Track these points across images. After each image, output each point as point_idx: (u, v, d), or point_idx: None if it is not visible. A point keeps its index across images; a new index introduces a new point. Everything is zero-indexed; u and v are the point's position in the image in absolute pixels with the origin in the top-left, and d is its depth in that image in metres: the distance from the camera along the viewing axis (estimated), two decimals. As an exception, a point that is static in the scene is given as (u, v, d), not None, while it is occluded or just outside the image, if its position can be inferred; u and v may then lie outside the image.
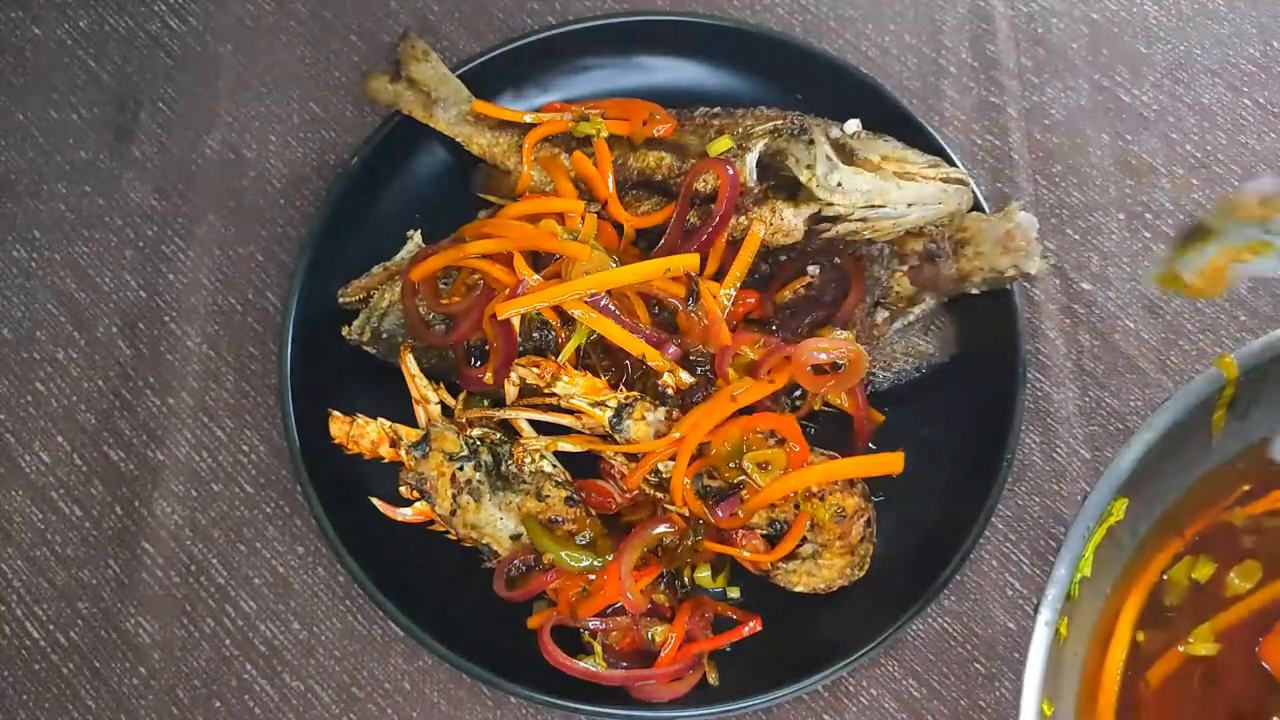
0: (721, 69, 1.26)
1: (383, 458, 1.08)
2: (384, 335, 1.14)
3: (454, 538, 1.08)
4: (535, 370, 1.05)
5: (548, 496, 1.05)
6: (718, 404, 1.03)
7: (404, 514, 1.08)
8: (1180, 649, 0.87)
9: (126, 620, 1.12)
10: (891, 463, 1.05)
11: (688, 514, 1.05)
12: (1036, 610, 0.78)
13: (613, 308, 1.06)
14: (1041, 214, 1.24)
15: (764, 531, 1.05)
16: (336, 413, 1.08)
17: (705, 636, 1.04)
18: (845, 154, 1.12)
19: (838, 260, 1.12)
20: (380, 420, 1.08)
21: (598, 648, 1.04)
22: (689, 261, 1.06)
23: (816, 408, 1.11)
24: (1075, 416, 1.17)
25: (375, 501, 1.08)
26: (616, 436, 1.05)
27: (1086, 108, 1.29)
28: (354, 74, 1.33)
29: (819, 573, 1.06)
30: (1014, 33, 1.33)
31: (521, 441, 1.07)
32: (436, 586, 1.08)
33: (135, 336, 1.22)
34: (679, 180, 1.15)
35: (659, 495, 1.06)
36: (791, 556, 1.05)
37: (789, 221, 1.11)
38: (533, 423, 1.09)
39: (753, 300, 1.11)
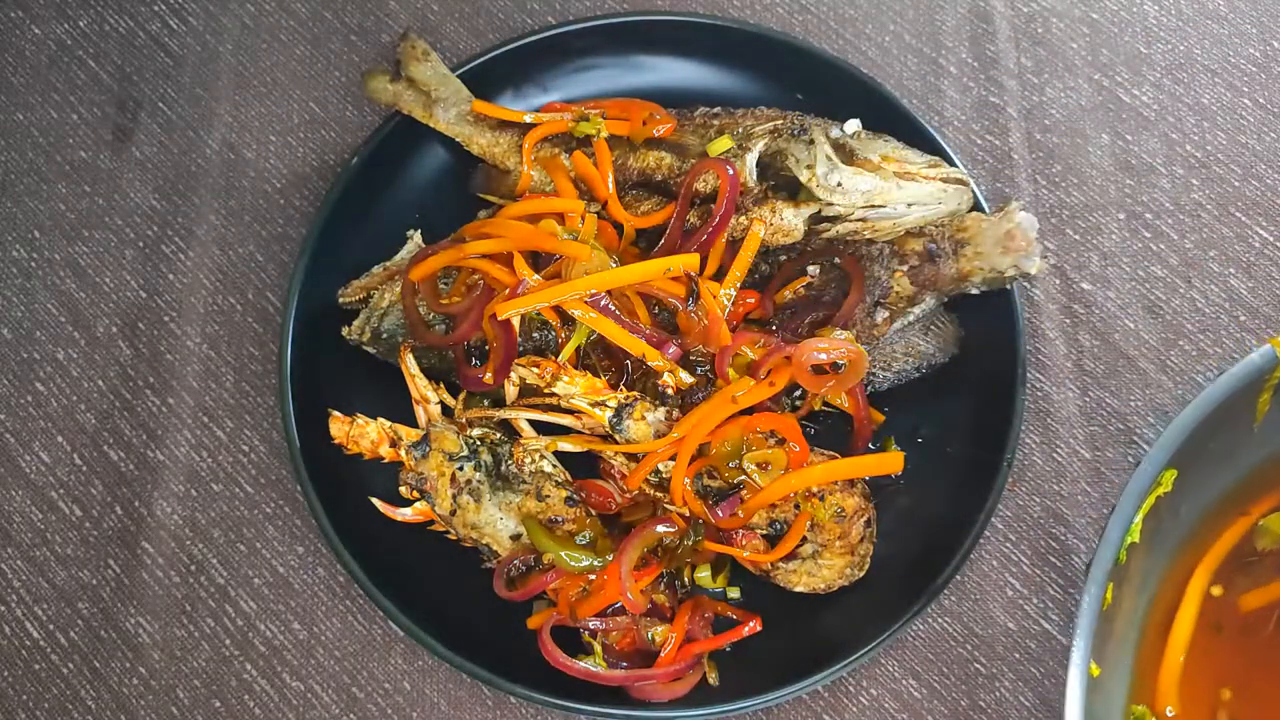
0: (721, 69, 1.26)
1: (383, 458, 1.08)
2: (384, 335, 1.14)
3: (454, 538, 1.08)
4: (535, 370, 1.05)
5: (548, 496, 1.05)
6: (718, 404, 1.03)
7: (404, 514, 1.08)
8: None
9: (126, 620, 1.12)
10: (891, 463, 1.05)
11: (688, 514, 1.05)
12: (1087, 572, 0.79)
13: (613, 308, 1.06)
14: (1041, 214, 1.24)
15: (764, 531, 1.05)
16: (336, 413, 1.08)
17: (705, 636, 1.04)
18: (845, 154, 1.12)
19: (838, 260, 1.12)
20: (380, 420, 1.08)
21: (598, 648, 1.04)
22: (689, 261, 1.06)
23: (816, 408, 1.11)
24: (1075, 416, 1.17)
25: (375, 501, 1.08)
26: (616, 436, 1.05)
27: (1086, 108, 1.29)
28: (354, 74, 1.33)
29: (819, 573, 1.06)
30: (1014, 33, 1.33)
31: (521, 441, 1.07)
32: (436, 586, 1.08)
33: (135, 336, 1.22)
34: (679, 180, 1.15)
35: (659, 495, 1.06)
36: (791, 556, 1.05)
37: (789, 221, 1.11)
38: (533, 423, 1.09)
39: (753, 300, 1.11)
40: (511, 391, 1.09)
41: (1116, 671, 0.84)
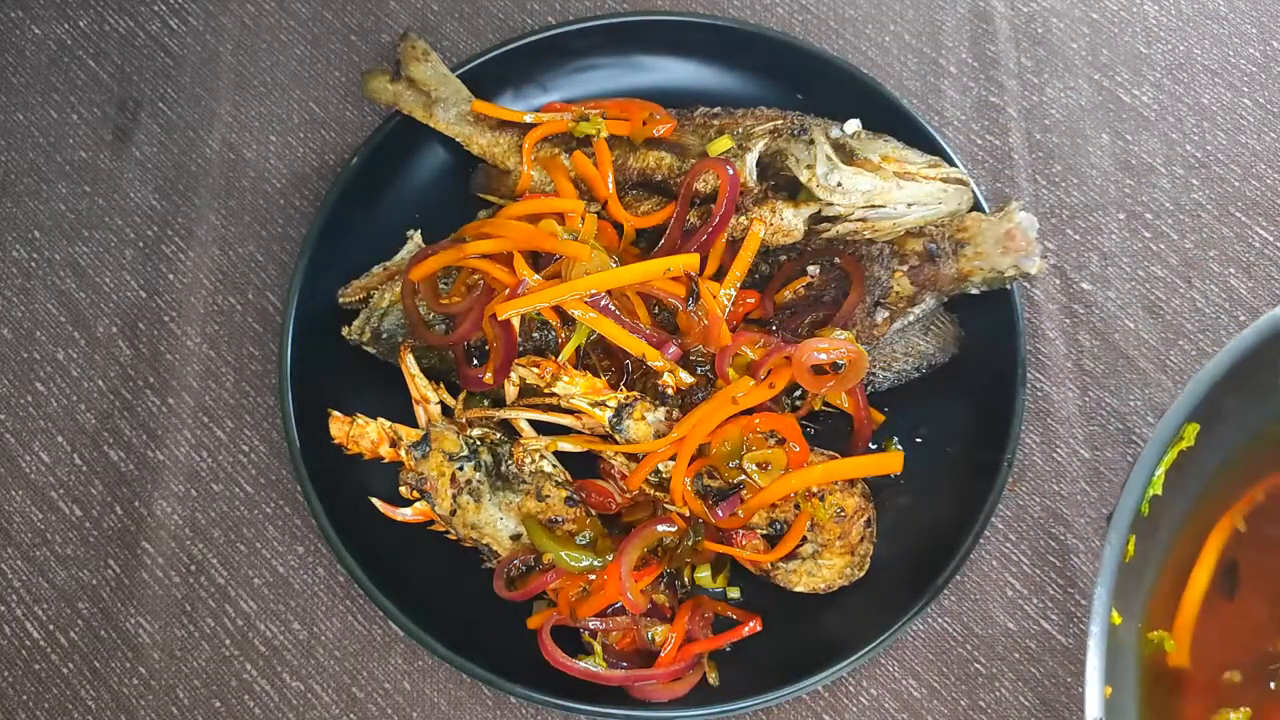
0: (721, 69, 1.26)
1: (383, 458, 1.08)
2: (384, 335, 1.14)
3: (454, 538, 1.08)
4: (535, 370, 1.05)
5: (548, 496, 1.05)
6: (718, 405, 1.03)
7: (404, 514, 1.08)
8: None
9: (126, 620, 1.12)
10: (891, 463, 1.05)
11: (688, 514, 1.05)
12: (1109, 521, 0.79)
13: (613, 308, 1.06)
14: (1041, 214, 1.24)
15: (764, 531, 1.05)
16: (336, 413, 1.08)
17: (705, 636, 1.04)
18: (845, 154, 1.12)
19: (838, 260, 1.12)
20: (380, 420, 1.08)
21: (598, 648, 1.04)
22: (689, 261, 1.06)
23: (817, 408, 1.11)
24: (1075, 416, 1.17)
25: (375, 501, 1.08)
26: (616, 436, 1.05)
27: (1086, 108, 1.29)
28: (354, 74, 1.33)
29: (819, 573, 1.06)
30: (1014, 33, 1.33)
31: (521, 441, 1.07)
32: (436, 586, 1.08)
33: (135, 336, 1.22)
34: (679, 180, 1.15)
35: (659, 495, 1.06)
36: (791, 556, 1.05)
37: (789, 221, 1.11)
38: (533, 423, 1.09)
39: (753, 300, 1.11)
40: (511, 391, 1.09)
41: (1136, 621, 0.85)
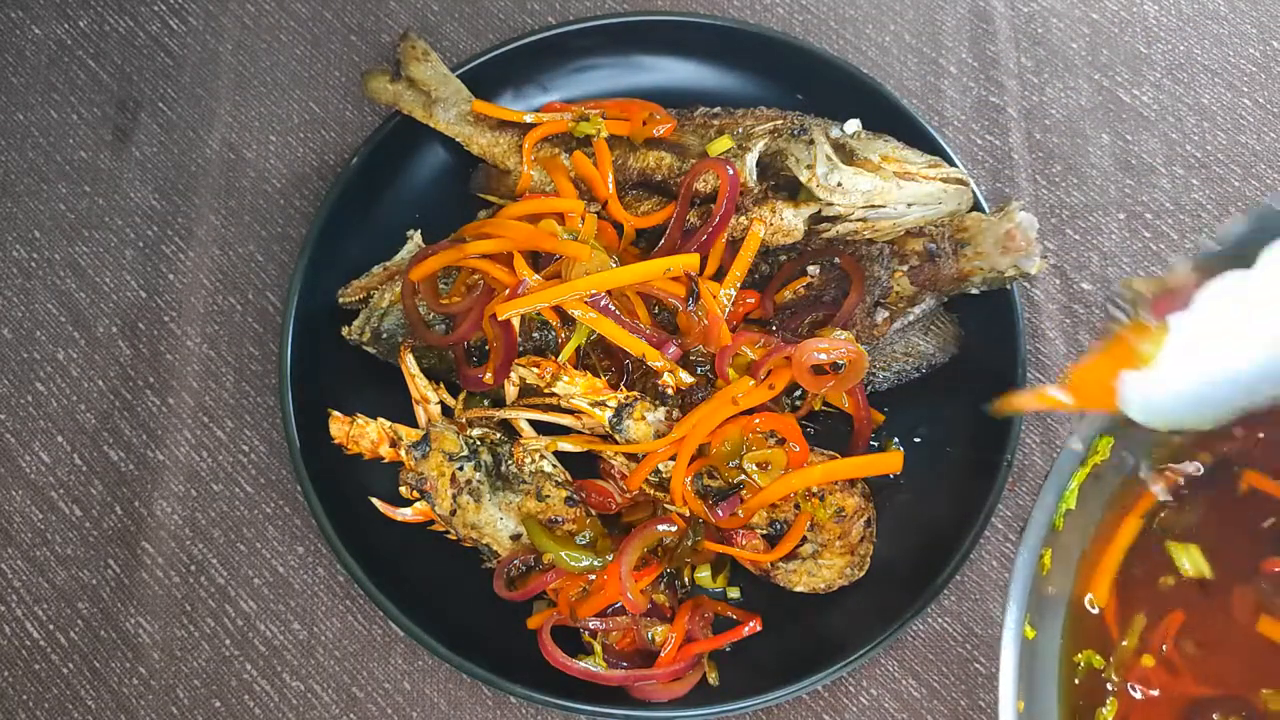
0: (721, 69, 1.26)
1: (383, 458, 1.08)
2: (384, 335, 1.14)
3: (454, 538, 1.08)
4: (535, 370, 1.05)
5: (548, 496, 1.05)
6: (718, 405, 1.03)
7: (404, 514, 1.08)
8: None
9: (126, 620, 1.12)
10: (890, 462, 1.05)
11: (688, 514, 1.05)
12: (1020, 538, 0.79)
13: (613, 308, 1.06)
14: (1041, 214, 1.24)
15: (764, 531, 1.05)
16: (336, 413, 1.08)
17: (705, 636, 1.04)
18: (845, 154, 1.12)
19: (838, 260, 1.12)
20: (380, 420, 1.08)
21: (598, 648, 1.04)
22: (689, 261, 1.06)
23: (817, 408, 1.11)
24: (1075, 416, 1.17)
25: (375, 501, 1.08)
26: (616, 436, 1.05)
27: (1086, 108, 1.29)
28: (354, 74, 1.33)
29: (819, 573, 1.06)
30: (1014, 33, 1.33)
31: (521, 441, 1.07)
32: (436, 586, 1.08)
33: (135, 336, 1.22)
34: (679, 180, 1.15)
35: (659, 495, 1.06)
36: (791, 556, 1.05)
37: (789, 221, 1.11)
38: (533, 423, 1.09)
39: (753, 300, 1.11)
40: (511, 391, 1.09)
41: (1051, 634, 0.85)
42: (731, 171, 1.11)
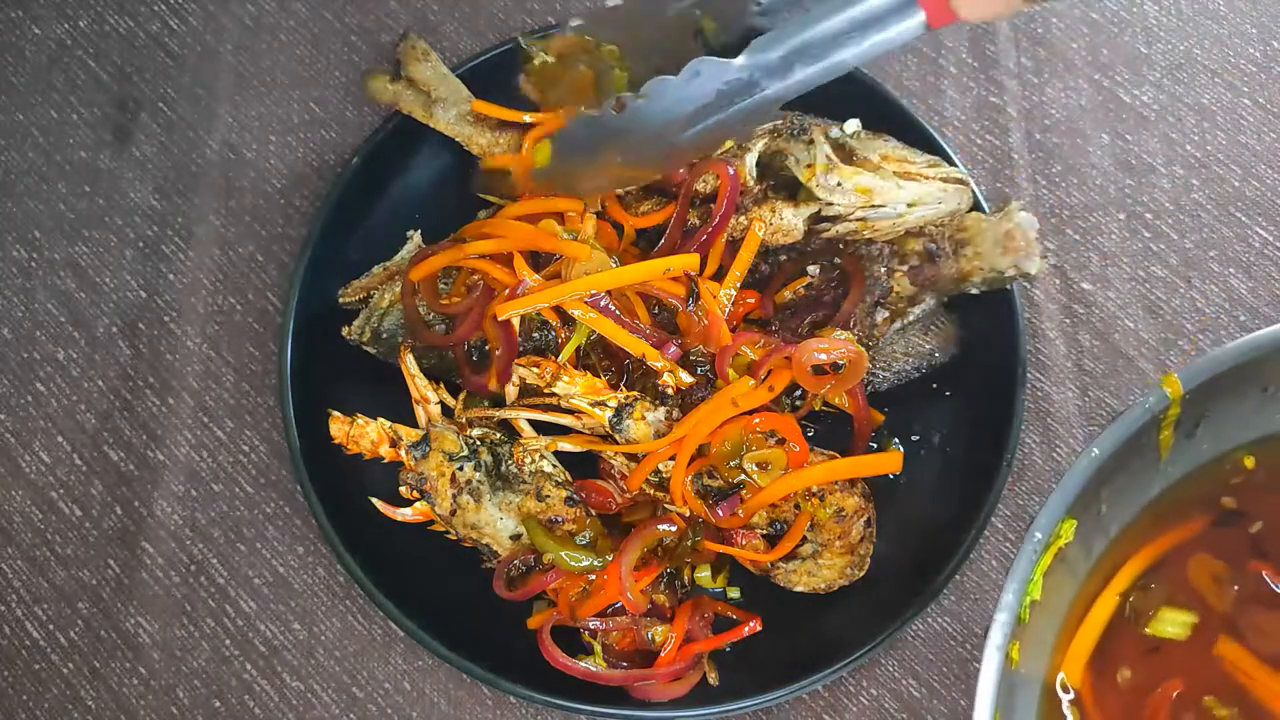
0: (721, 69, 1.26)
1: (383, 458, 1.08)
2: (384, 335, 1.14)
3: (454, 538, 1.08)
4: (535, 370, 1.05)
5: (548, 496, 1.05)
6: (718, 405, 1.03)
7: (404, 514, 1.08)
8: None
9: (126, 620, 1.12)
10: (890, 462, 1.05)
11: (688, 514, 1.05)
12: (986, 635, 0.78)
13: (613, 308, 1.06)
14: (1041, 214, 1.24)
15: (764, 531, 1.05)
16: (336, 413, 1.08)
17: (705, 636, 1.04)
18: (845, 154, 1.12)
19: (838, 260, 1.12)
20: (380, 420, 1.08)
21: (598, 648, 1.04)
22: (689, 261, 1.06)
23: (817, 408, 1.11)
24: (1075, 416, 1.17)
25: (375, 501, 1.08)
26: (616, 436, 1.05)
27: (1086, 108, 1.29)
28: (354, 74, 1.33)
29: (819, 572, 1.06)
30: (1014, 33, 1.33)
31: (521, 441, 1.07)
32: (437, 586, 1.08)
33: (135, 336, 1.22)
34: (679, 180, 1.15)
35: (659, 495, 1.06)
36: (791, 556, 1.05)
37: (789, 221, 1.11)
38: (533, 423, 1.09)
39: (753, 300, 1.11)
40: (511, 391, 1.09)
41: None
42: (732, 171, 1.10)
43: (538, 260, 1.10)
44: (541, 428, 1.09)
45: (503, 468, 1.06)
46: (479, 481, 1.05)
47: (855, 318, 1.10)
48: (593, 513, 1.06)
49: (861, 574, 1.06)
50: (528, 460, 1.06)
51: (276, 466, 1.17)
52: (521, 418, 1.09)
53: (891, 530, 1.08)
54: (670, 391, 1.06)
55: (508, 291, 1.06)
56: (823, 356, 1.04)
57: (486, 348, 1.10)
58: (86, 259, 1.26)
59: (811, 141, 1.11)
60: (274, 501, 1.16)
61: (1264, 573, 0.89)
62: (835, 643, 1.04)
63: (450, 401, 1.11)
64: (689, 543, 1.04)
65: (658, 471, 1.04)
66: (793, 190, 1.12)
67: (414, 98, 1.21)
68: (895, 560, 1.07)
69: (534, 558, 1.05)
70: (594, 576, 1.02)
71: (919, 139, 1.16)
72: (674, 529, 1.04)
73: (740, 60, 1.00)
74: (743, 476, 1.02)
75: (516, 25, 1.34)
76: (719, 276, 1.10)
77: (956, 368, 1.14)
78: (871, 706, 1.07)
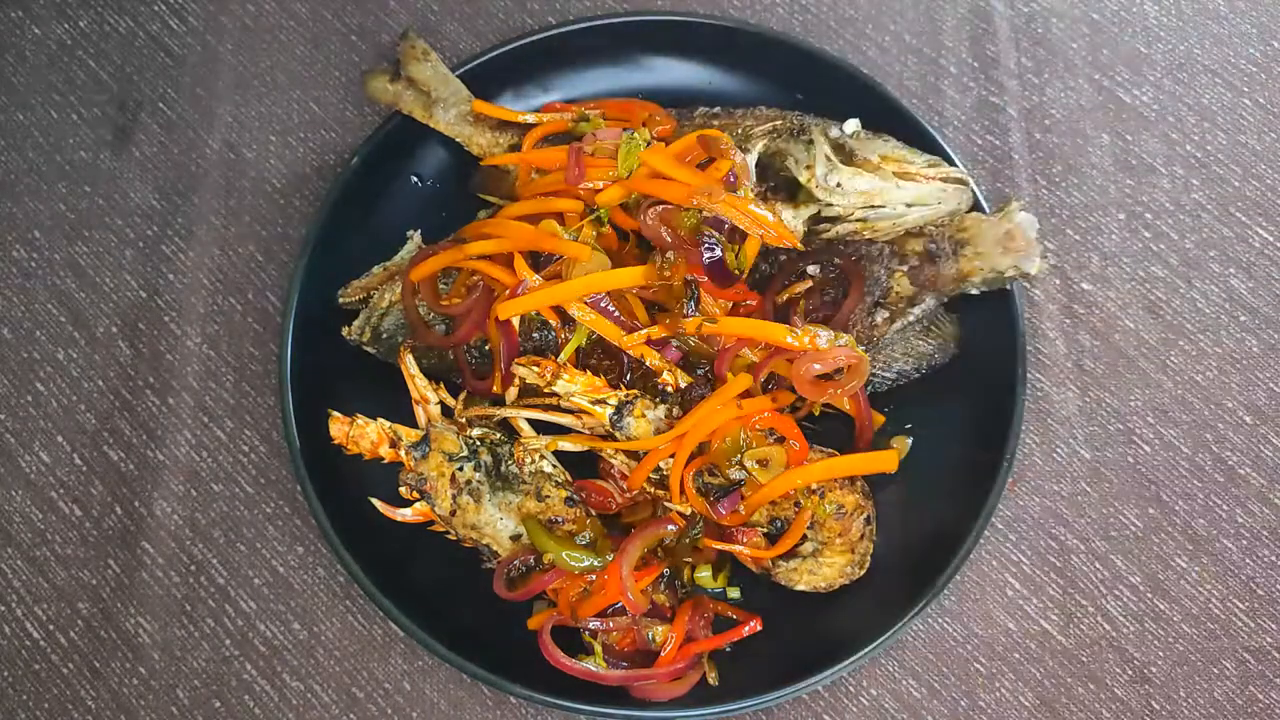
0: (721, 69, 1.26)
1: (383, 458, 1.08)
2: (384, 335, 1.14)
3: (454, 538, 1.08)
4: (535, 370, 1.05)
5: (548, 497, 1.05)
6: (719, 403, 1.03)
7: (404, 514, 1.08)
8: None
9: (126, 620, 1.12)
10: (887, 460, 1.05)
11: (688, 512, 1.05)
12: None
13: (612, 308, 1.05)
14: (1041, 214, 1.24)
15: (765, 529, 1.05)
16: (336, 413, 1.08)
17: (705, 636, 1.04)
18: (845, 154, 1.12)
19: (838, 260, 1.12)
20: (380, 420, 1.08)
21: (598, 648, 1.04)
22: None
23: (816, 413, 1.11)
24: (1075, 416, 1.17)
25: (375, 502, 1.08)
26: (617, 434, 1.05)
27: (1086, 108, 1.29)
28: (354, 74, 1.33)
29: (820, 571, 1.06)
30: (1014, 33, 1.33)
31: (521, 441, 1.07)
32: (436, 586, 1.08)
33: (135, 336, 1.22)
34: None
35: (660, 494, 1.06)
36: (792, 555, 1.05)
37: (788, 222, 1.11)
38: (532, 423, 1.09)
39: (753, 301, 1.11)
40: (511, 391, 1.09)
41: None
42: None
43: (538, 260, 1.09)
44: (541, 428, 1.09)
45: (503, 468, 1.06)
46: (479, 482, 1.05)
47: (855, 318, 1.10)
48: (593, 513, 1.06)
49: (861, 573, 1.06)
50: (528, 460, 1.06)
51: (276, 466, 1.17)
52: (521, 418, 1.09)
53: (892, 530, 1.08)
54: (670, 390, 1.06)
55: (508, 292, 1.06)
56: (820, 368, 1.04)
57: (486, 348, 1.10)
58: (86, 259, 1.26)
59: (811, 142, 1.11)
60: (274, 501, 1.16)
61: None
62: (835, 643, 1.03)
63: (450, 401, 1.11)
64: (689, 540, 1.04)
65: (658, 470, 1.04)
66: (792, 191, 1.12)
67: (414, 98, 1.21)
68: (895, 560, 1.07)
69: (534, 558, 1.05)
70: (594, 576, 1.02)
71: (919, 139, 1.16)
72: (674, 529, 1.04)
73: None
74: (743, 474, 1.02)
75: (517, 25, 1.34)
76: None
77: (956, 368, 1.14)
78: (871, 706, 1.07)
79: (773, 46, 1.25)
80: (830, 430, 1.11)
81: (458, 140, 1.22)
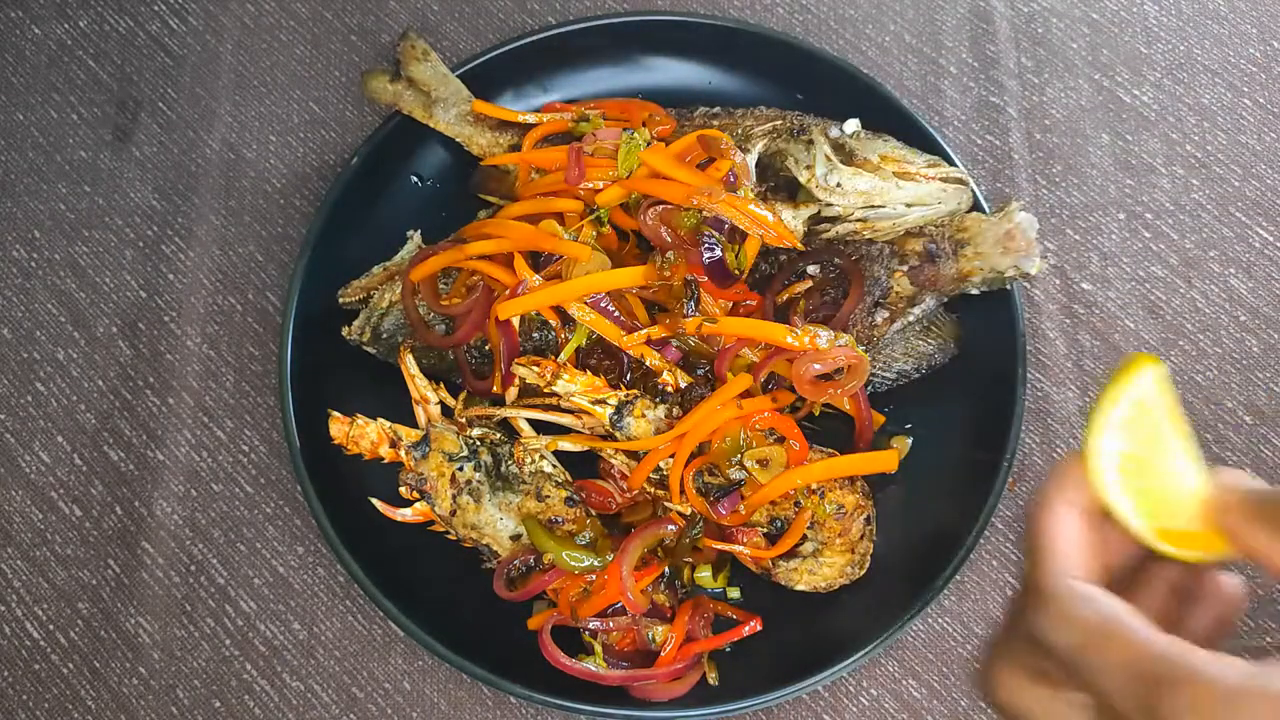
0: (721, 69, 1.26)
1: (383, 458, 1.08)
2: (384, 335, 1.14)
3: (454, 538, 1.08)
4: (535, 370, 1.05)
5: (548, 496, 1.05)
6: (720, 406, 1.03)
7: (404, 514, 1.08)
8: None
9: (126, 620, 1.12)
10: (887, 460, 1.05)
11: (688, 512, 1.05)
12: None
13: (612, 308, 1.05)
14: (1041, 214, 1.24)
15: (765, 529, 1.05)
16: (336, 413, 1.08)
17: (705, 636, 1.04)
18: (845, 154, 1.12)
19: (838, 260, 1.12)
20: (380, 420, 1.08)
21: (598, 648, 1.04)
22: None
23: (816, 413, 1.11)
24: (1075, 416, 1.17)
25: (375, 502, 1.08)
26: (617, 434, 1.05)
27: (1086, 108, 1.29)
28: (354, 74, 1.33)
29: (820, 571, 1.06)
30: (1014, 33, 1.33)
31: (521, 441, 1.07)
32: (436, 586, 1.08)
33: (135, 336, 1.22)
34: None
35: (660, 494, 1.06)
36: (792, 554, 1.05)
37: (788, 222, 1.11)
38: (533, 423, 1.09)
39: (753, 301, 1.11)
40: (511, 391, 1.09)
41: None
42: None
43: (537, 260, 1.10)
44: (541, 428, 1.10)
45: (503, 468, 1.06)
46: (479, 482, 1.05)
47: (855, 318, 1.10)
48: (593, 513, 1.06)
49: (861, 573, 1.07)
50: (528, 460, 1.06)
51: (276, 466, 1.17)
52: (521, 418, 1.09)
53: (891, 530, 1.08)
54: (670, 390, 1.06)
55: (508, 292, 1.06)
56: (820, 368, 1.04)
57: (486, 348, 1.10)
58: (86, 259, 1.26)
59: (811, 142, 1.11)
60: (274, 501, 1.16)
61: None
62: (835, 643, 1.03)
63: (450, 401, 1.11)
64: (689, 540, 1.04)
65: (658, 470, 1.04)
66: (792, 191, 1.12)
67: (414, 98, 1.21)
68: (895, 560, 1.07)
69: (534, 558, 1.05)
70: (594, 577, 1.02)
71: (919, 139, 1.16)
72: (674, 529, 1.04)
73: None
74: (743, 473, 1.02)
75: (517, 25, 1.34)
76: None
77: (956, 368, 1.14)
78: (871, 706, 1.07)
79: (773, 46, 1.25)
80: (830, 430, 1.11)
81: (458, 140, 1.22)
